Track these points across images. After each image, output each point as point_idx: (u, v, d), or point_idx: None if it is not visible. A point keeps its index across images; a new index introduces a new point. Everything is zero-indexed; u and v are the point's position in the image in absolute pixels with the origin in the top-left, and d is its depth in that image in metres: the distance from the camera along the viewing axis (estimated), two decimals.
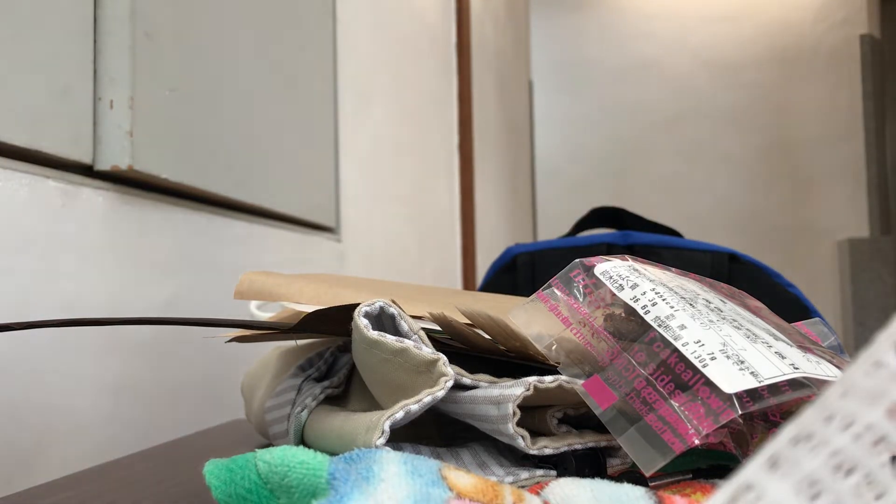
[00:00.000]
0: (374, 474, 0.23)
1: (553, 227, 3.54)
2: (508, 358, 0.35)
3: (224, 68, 0.72)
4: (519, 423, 0.30)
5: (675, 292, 0.32)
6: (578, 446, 0.31)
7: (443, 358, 0.30)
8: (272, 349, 0.53)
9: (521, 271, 0.74)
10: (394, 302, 0.32)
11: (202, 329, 0.71)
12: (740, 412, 0.25)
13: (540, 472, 0.31)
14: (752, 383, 0.26)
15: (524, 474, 0.30)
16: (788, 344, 0.30)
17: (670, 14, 3.54)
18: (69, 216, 0.54)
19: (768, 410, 0.29)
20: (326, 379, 0.41)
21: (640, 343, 0.30)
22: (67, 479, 0.40)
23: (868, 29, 3.38)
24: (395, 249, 1.32)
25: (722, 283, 0.37)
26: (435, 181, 1.63)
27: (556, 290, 0.34)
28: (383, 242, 1.25)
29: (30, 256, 0.51)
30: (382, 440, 0.29)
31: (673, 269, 0.37)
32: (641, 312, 0.31)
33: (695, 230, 3.42)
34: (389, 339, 0.31)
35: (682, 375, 0.28)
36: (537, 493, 0.25)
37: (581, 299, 0.33)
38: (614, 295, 0.33)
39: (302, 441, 0.37)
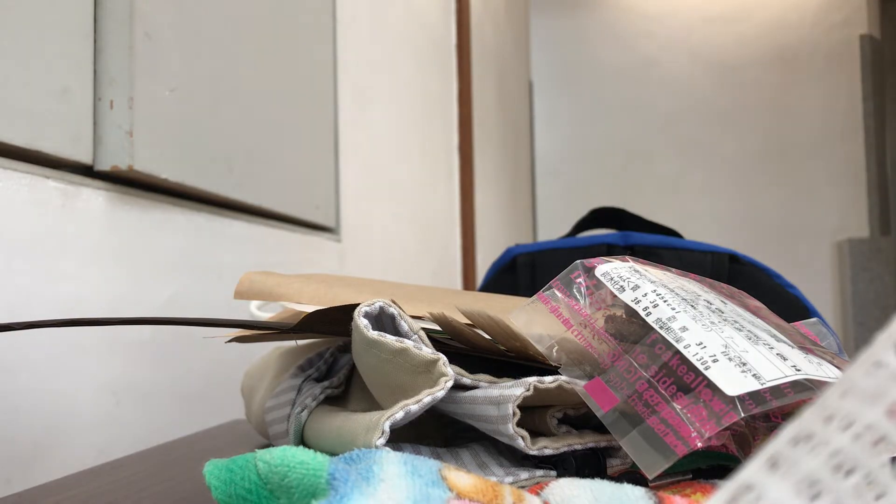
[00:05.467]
0: (374, 475, 0.23)
1: (553, 227, 3.54)
2: (508, 358, 0.35)
3: (224, 68, 0.72)
4: (519, 424, 0.30)
5: (677, 293, 0.32)
6: (578, 447, 0.31)
7: (443, 358, 0.30)
8: (272, 349, 0.53)
9: (522, 272, 0.74)
10: (394, 302, 0.32)
11: (202, 329, 0.71)
12: (743, 415, 0.25)
13: (540, 472, 0.31)
14: (754, 385, 0.26)
15: (524, 475, 0.30)
16: (790, 345, 0.30)
17: (670, 14, 3.54)
18: (69, 216, 0.54)
19: (770, 412, 0.29)
20: (326, 379, 0.41)
21: (641, 345, 0.30)
22: (67, 479, 0.40)
23: (868, 29, 3.38)
24: (395, 249, 1.32)
25: (722, 284, 0.37)
26: (435, 181, 1.63)
27: (556, 292, 0.34)
28: (383, 242, 1.25)
29: (30, 256, 0.51)
30: (382, 440, 0.29)
31: (673, 269, 0.37)
32: (643, 314, 0.31)
33: (695, 230, 3.42)
34: (389, 339, 0.31)
35: (685, 377, 0.28)
36: (537, 494, 0.25)
37: (582, 301, 0.33)
38: (615, 296, 0.33)
39: (302, 441, 0.37)
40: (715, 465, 0.31)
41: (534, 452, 0.30)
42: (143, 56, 0.59)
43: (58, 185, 0.53)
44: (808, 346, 0.31)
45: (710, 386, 0.27)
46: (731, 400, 0.26)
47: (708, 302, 0.32)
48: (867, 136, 3.35)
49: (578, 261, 0.35)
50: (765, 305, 0.37)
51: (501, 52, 2.50)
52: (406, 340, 0.31)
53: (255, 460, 0.25)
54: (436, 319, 0.33)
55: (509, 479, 0.30)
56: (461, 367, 0.33)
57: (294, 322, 0.38)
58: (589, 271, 0.34)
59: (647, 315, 0.31)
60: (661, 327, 0.30)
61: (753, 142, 3.46)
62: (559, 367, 0.32)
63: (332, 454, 0.27)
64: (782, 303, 0.67)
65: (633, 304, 0.32)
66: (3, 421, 0.48)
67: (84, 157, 0.56)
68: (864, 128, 3.35)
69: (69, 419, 0.53)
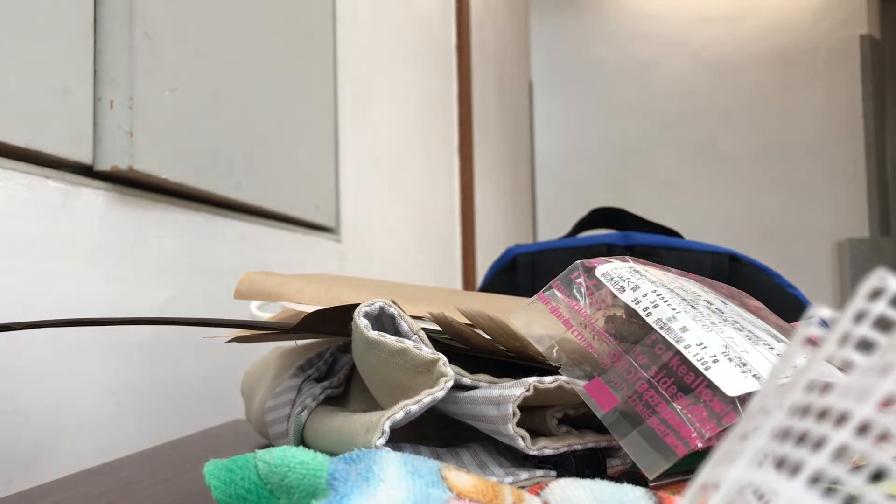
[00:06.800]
0: (374, 475, 0.23)
1: (553, 227, 3.54)
2: (508, 358, 0.35)
3: (224, 68, 0.72)
4: (519, 424, 0.30)
5: (677, 294, 0.32)
6: (578, 447, 0.31)
7: (443, 358, 0.30)
8: (272, 349, 0.53)
9: (521, 272, 0.74)
10: (394, 302, 0.32)
11: (202, 329, 0.71)
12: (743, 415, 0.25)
13: (540, 472, 0.31)
14: (754, 386, 0.26)
15: (524, 475, 0.30)
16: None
17: (670, 14, 3.54)
18: (69, 216, 0.54)
19: None
20: (326, 379, 0.41)
21: (641, 345, 0.30)
22: (67, 479, 0.40)
23: (868, 29, 3.38)
24: (395, 249, 1.32)
25: (722, 284, 0.37)
26: (435, 181, 1.63)
27: (556, 292, 0.34)
28: (383, 242, 1.25)
29: (30, 256, 0.51)
30: (382, 440, 0.29)
31: (673, 269, 0.37)
32: (643, 314, 0.31)
33: (695, 230, 3.42)
34: (389, 339, 0.31)
35: (685, 378, 0.28)
36: (537, 494, 0.25)
37: (582, 301, 0.33)
38: (615, 296, 0.33)
39: (302, 441, 0.37)
40: None
41: (534, 452, 0.30)
42: (143, 56, 0.59)
43: (58, 185, 0.53)
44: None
45: (711, 386, 0.27)
46: (731, 400, 0.26)
47: (708, 302, 0.32)
48: (867, 137, 3.35)
49: (578, 261, 0.35)
50: (765, 306, 0.37)
51: (501, 52, 2.50)
52: (406, 340, 0.31)
53: (255, 460, 0.25)
54: (436, 319, 0.33)
55: (509, 479, 0.30)
56: (461, 367, 0.33)
57: (294, 322, 0.38)
58: (589, 271, 0.34)
59: (648, 315, 0.31)
60: (661, 327, 0.30)
61: (753, 142, 3.46)
62: (559, 368, 0.32)
63: (332, 454, 0.27)
64: (782, 303, 0.67)
65: (633, 305, 0.32)
66: (4, 421, 0.48)
67: (84, 157, 0.56)
68: (864, 128, 3.35)
69: (69, 419, 0.53)
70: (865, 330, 0.14)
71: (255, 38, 0.79)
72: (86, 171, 0.57)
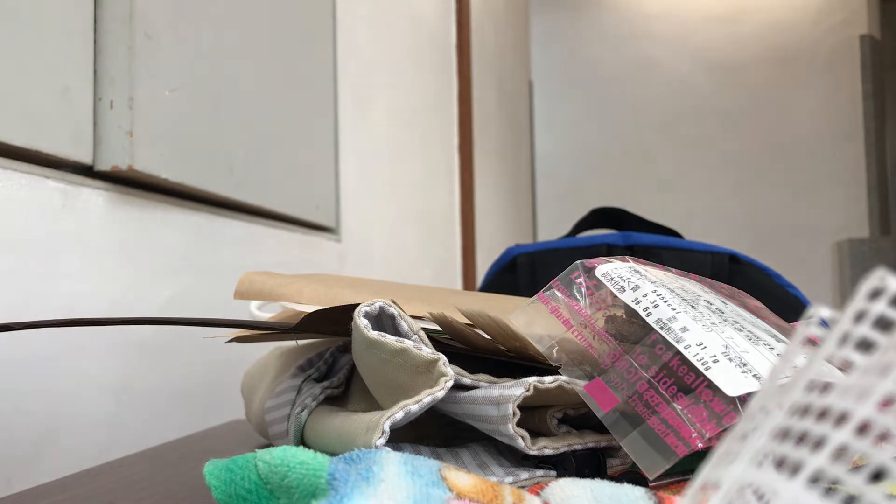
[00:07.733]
0: (374, 475, 0.23)
1: (553, 227, 3.54)
2: (509, 358, 0.35)
3: (224, 68, 0.72)
4: (519, 424, 0.30)
5: (677, 294, 0.32)
6: (578, 447, 0.31)
7: (443, 358, 0.30)
8: (272, 349, 0.53)
9: (522, 272, 0.74)
10: (394, 302, 0.32)
11: (202, 329, 0.71)
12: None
13: (540, 472, 0.31)
14: (755, 386, 0.26)
15: (524, 475, 0.30)
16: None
17: (670, 14, 3.54)
18: (69, 216, 0.54)
19: None
20: (326, 379, 0.41)
21: (641, 345, 0.30)
22: (67, 479, 0.40)
23: (868, 29, 3.38)
24: (395, 249, 1.32)
25: (722, 284, 0.37)
26: (435, 181, 1.62)
27: (556, 292, 0.34)
28: (383, 242, 1.25)
29: (30, 256, 0.51)
30: (382, 440, 0.29)
31: (673, 269, 0.37)
32: (643, 314, 0.31)
33: (695, 230, 3.42)
34: (389, 339, 0.31)
35: (685, 378, 0.28)
36: (537, 494, 0.25)
37: (582, 301, 0.33)
38: (615, 297, 0.33)
39: (302, 441, 0.37)
40: None
41: (534, 452, 0.30)
42: (143, 56, 0.59)
43: (58, 185, 0.53)
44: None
45: (711, 386, 0.27)
46: (731, 400, 0.26)
47: (708, 302, 0.32)
48: (867, 136, 3.35)
49: (579, 261, 0.35)
50: (765, 305, 0.37)
51: (501, 52, 2.50)
52: (406, 340, 0.31)
53: (255, 460, 0.25)
54: (436, 319, 0.33)
55: (509, 479, 0.30)
56: (461, 367, 0.33)
57: (294, 322, 0.38)
58: (589, 271, 0.34)
59: (648, 315, 0.31)
60: (661, 328, 0.30)
61: (753, 142, 3.46)
62: (559, 368, 0.32)
63: (333, 454, 0.27)
64: (782, 303, 0.67)
65: (633, 305, 0.32)
66: (3, 421, 0.48)
67: (84, 157, 0.56)
68: (864, 128, 3.35)
69: (69, 419, 0.53)
70: (865, 330, 0.14)
71: (255, 39, 0.79)
72: (86, 171, 0.57)
